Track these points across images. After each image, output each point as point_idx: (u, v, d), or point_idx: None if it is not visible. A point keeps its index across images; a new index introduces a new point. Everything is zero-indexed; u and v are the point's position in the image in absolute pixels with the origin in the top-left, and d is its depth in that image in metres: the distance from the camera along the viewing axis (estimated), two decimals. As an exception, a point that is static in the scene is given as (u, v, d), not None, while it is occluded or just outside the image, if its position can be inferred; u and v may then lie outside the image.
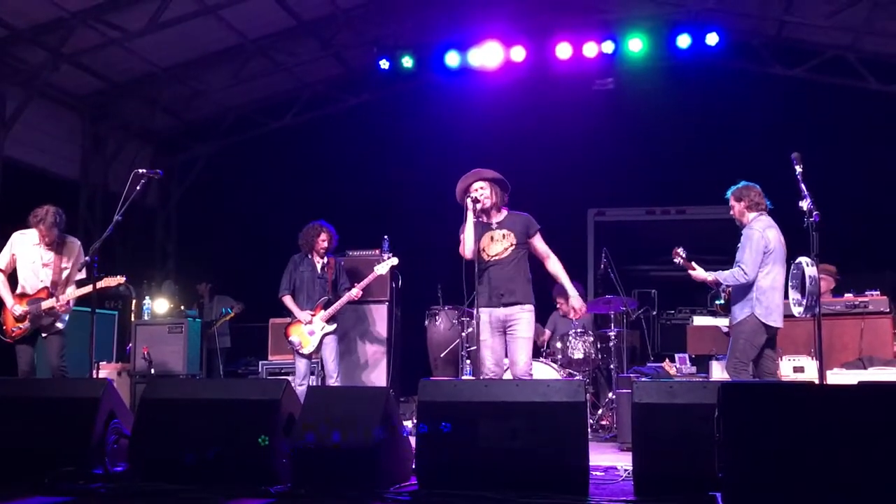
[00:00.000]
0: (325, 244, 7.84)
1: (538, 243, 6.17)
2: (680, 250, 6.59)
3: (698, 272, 6.52)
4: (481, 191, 6.04)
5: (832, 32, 10.49)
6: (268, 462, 4.60)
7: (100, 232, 7.63)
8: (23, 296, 6.80)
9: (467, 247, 5.96)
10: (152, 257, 12.76)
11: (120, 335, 9.79)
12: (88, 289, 6.55)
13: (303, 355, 7.67)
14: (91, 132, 11.55)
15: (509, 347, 5.95)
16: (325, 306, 7.71)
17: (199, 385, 6.67)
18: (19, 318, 6.72)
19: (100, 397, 4.96)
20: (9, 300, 6.78)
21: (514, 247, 6.02)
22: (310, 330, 7.66)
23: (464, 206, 6.00)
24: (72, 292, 6.80)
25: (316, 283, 7.82)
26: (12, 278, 6.91)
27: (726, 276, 6.28)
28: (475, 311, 5.97)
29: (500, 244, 6.01)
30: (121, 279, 6.83)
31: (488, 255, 5.98)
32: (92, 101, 11.33)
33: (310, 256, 7.89)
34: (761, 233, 6.16)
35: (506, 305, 5.90)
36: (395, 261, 7.89)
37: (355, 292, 7.75)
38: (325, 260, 7.90)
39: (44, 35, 9.53)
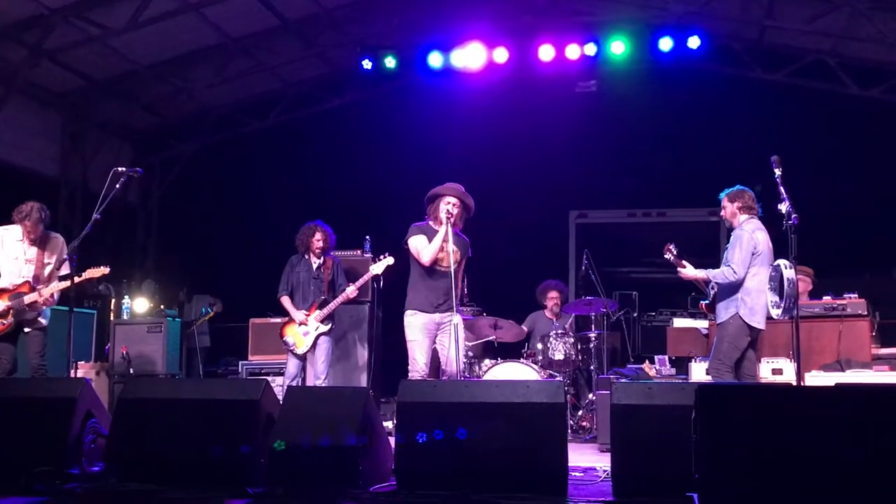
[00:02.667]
0: (321, 244, 7.84)
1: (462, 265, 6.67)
2: (672, 247, 6.63)
3: (688, 270, 6.56)
4: (454, 208, 6.39)
5: (813, 37, 10.57)
6: (246, 462, 4.58)
7: (79, 230, 7.57)
8: (3, 291, 6.76)
9: (431, 253, 6.37)
10: (132, 256, 12.67)
11: (99, 334, 9.69)
12: (80, 279, 6.51)
13: (297, 355, 7.68)
14: (71, 130, 11.46)
15: (449, 348, 6.35)
16: (321, 306, 7.71)
17: (178, 385, 6.65)
18: (2, 314, 6.68)
19: (77, 397, 4.92)
20: None
21: (456, 263, 6.45)
22: (304, 330, 7.66)
23: (437, 215, 6.43)
24: (55, 286, 6.76)
25: (311, 284, 7.82)
26: None
27: (716, 274, 6.34)
28: (406, 313, 6.49)
29: (453, 256, 6.39)
30: (105, 269, 6.80)
31: (441, 266, 6.42)
32: (72, 99, 11.24)
33: (306, 257, 7.90)
34: (750, 234, 6.22)
35: (442, 312, 6.42)
36: (391, 261, 7.64)
37: (351, 290, 7.74)
38: (322, 260, 7.90)
39: (24, 32, 9.44)
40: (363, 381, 8.60)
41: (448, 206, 6.40)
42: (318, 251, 7.87)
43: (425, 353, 6.41)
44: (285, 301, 7.82)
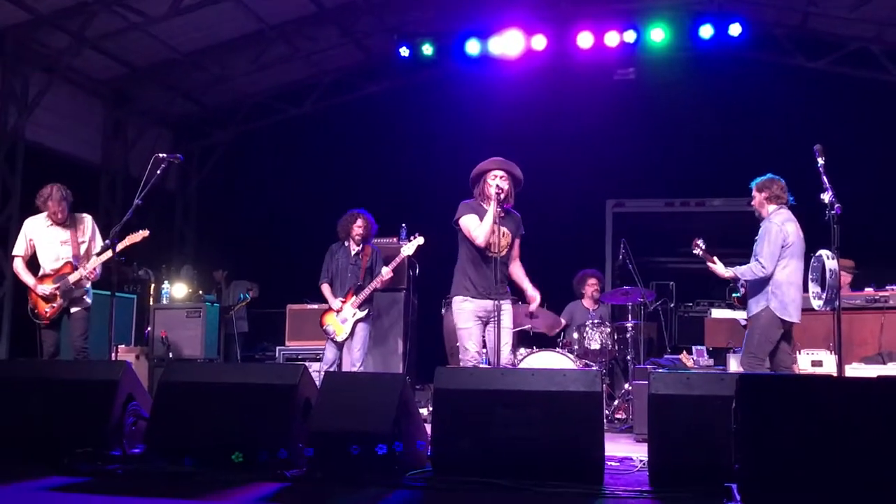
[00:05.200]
0: (361, 231, 7.83)
1: (516, 245, 6.31)
2: (700, 241, 6.55)
3: (717, 266, 6.48)
4: (503, 181, 6.02)
5: (856, 24, 10.38)
6: (284, 446, 4.62)
7: (120, 216, 7.67)
8: (46, 276, 6.87)
9: (484, 233, 5.95)
10: (171, 242, 12.83)
11: (139, 319, 9.84)
12: (121, 245, 6.49)
13: (336, 343, 7.69)
14: (112, 117, 11.61)
15: (496, 337, 5.92)
16: (356, 292, 7.73)
17: (218, 369, 6.72)
18: (49, 298, 6.79)
19: (118, 380, 5.00)
20: (31, 281, 6.86)
21: (508, 246, 6.16)
22: (342, 318, 7.67)
23: (485, 192, 6.04)
24: (96, 259, 6.84)
25: (348, 270, 7.81)
26: (33, 265, 6.99)
27: (744, 271, 6.24)
28: (455, 299, 6.12)
29: (503, 240, 6.07)
30: (144, 232, 6.79)
31: (491, 251, 5.99)
32: (113, 86, 11.39)
33: (346, 244, 7.91)
34: (780, 226, 6.10)
35: (493, 298, 5.92)
36: (421, 240, 7.72)
37: (386, 271, 7.71)
38: (361, 247, 7.90)
39: (66, 19, 9.56)
40: (399, 367, 8.63)
41: (497, 180, 5.97)
42: (357, 238, 7.86)
43: (477, 341, 6.02)
44: (325, 289, 7.82)
